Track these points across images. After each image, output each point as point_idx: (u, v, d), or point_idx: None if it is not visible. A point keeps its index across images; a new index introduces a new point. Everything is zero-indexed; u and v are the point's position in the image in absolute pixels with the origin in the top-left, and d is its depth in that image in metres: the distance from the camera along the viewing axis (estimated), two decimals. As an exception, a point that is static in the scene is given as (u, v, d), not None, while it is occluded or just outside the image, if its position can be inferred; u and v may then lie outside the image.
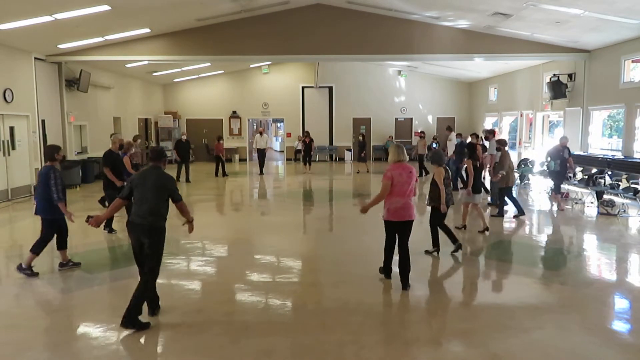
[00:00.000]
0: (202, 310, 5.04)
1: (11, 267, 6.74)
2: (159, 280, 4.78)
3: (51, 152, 6.16)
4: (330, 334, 4.47)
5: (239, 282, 6.03)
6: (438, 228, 6.94)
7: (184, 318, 4.79)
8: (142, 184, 4.59)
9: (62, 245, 6.28)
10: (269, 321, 4.77)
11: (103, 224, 8.05)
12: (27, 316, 4.91)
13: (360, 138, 19.38)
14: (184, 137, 16.29)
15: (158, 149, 4.88)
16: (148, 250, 4.57)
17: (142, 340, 4.36)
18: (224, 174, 16.97)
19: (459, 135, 15.49)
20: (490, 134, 12.21)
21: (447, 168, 7.13)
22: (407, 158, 5.68)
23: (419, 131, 19.08)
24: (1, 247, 7.66)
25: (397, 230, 5.63)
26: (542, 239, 8.49)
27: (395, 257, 5.75)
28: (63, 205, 6.03)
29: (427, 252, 6.98)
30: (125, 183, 8.04)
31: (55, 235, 6.23)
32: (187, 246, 7.73)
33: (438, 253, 6.95)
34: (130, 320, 4.44)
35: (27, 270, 6.07)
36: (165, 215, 4.65)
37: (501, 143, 9.59)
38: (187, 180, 15.30)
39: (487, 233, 8.29)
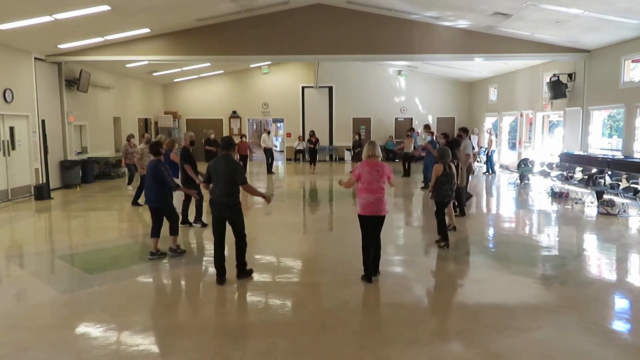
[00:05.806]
0: (202, 310, 5.04)
1: (11, 267, 6.76)
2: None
3: (156, 148, 6.78)
4: (330, 334, 4.47)
5: (239, 282, 6.03)
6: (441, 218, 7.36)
7: (184, 318, 4.80)
8: (215, 171, 5.67)
9: (173, 232, 6.83)
10: (269, 321, 4.77)
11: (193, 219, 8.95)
12: (28, 316, 4.90)
13: (357, 137, 19.80)
14: (212, 135, 14.91)
15: (227, 139, 5.84)
16: (230, 221, 5.72)
17: (142, 340, 4.36)
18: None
19: (430, 133, 15.40)
20: (464, 132, 10.70)
21: (451, 165, 7.41)
22: (380, 154, 5.77)
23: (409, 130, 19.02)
24: (1, 247, 7.65)
25: (369, 224, 5.75)
26: (542, 239, 8.48)
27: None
28: (182, 189, 7.33)
29: (437, 242, 7.39)
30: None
31: (167, 222, 6.81)
32: (187, 246, 7.73)
33: (448, 247, 7.25)
34: (243, 274, 5.85)
35: (178, 250, 6.92)
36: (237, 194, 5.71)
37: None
38: None
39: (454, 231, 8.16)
